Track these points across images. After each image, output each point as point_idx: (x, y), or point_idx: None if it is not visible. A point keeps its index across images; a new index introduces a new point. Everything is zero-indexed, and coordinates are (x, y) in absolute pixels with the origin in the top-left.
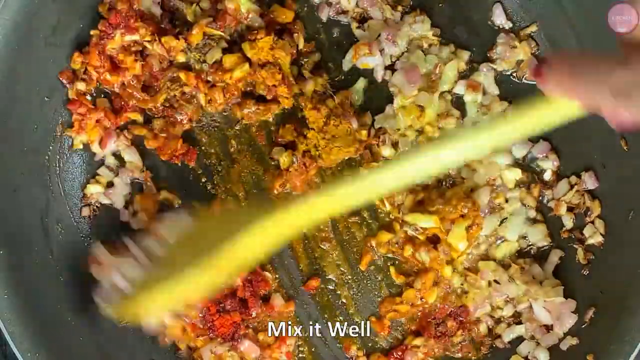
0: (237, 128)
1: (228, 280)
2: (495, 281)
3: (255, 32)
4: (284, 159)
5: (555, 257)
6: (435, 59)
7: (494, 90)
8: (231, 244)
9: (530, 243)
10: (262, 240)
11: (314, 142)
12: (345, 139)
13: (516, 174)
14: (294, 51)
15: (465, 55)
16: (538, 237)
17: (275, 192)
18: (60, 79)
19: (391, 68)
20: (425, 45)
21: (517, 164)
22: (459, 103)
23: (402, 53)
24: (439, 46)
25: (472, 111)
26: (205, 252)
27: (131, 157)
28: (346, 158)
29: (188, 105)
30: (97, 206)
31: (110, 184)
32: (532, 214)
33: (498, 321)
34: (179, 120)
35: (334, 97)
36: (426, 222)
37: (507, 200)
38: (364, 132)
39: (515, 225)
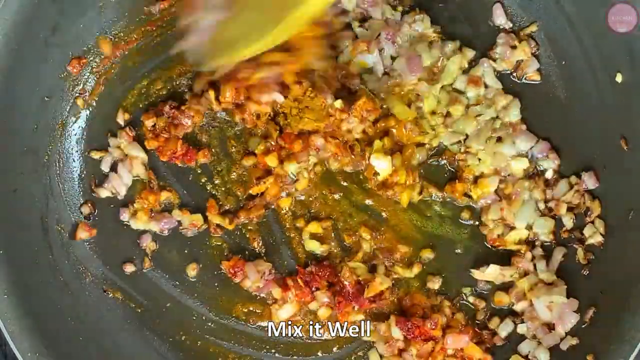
0: (237, 128)
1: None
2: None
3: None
4: (260, 147)
5: (559, 254)
6: (439, 53)
7: (496, 84)
8: None
9: (536, 231)
10: None
11: (287, 110)
12: (318, 112)
13: (523, 164)
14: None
15: (470, 53)
16: (544, 229)
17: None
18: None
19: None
20: (427, 44)
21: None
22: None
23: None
24: (444, 42)
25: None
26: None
27: (135, 152)
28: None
29: (195, 107)
30: (96, 206)
31: (113, 173)
32: (542, 205)
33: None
34: (183, 123)
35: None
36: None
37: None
38: (337, 103)
39: (524, 214)
